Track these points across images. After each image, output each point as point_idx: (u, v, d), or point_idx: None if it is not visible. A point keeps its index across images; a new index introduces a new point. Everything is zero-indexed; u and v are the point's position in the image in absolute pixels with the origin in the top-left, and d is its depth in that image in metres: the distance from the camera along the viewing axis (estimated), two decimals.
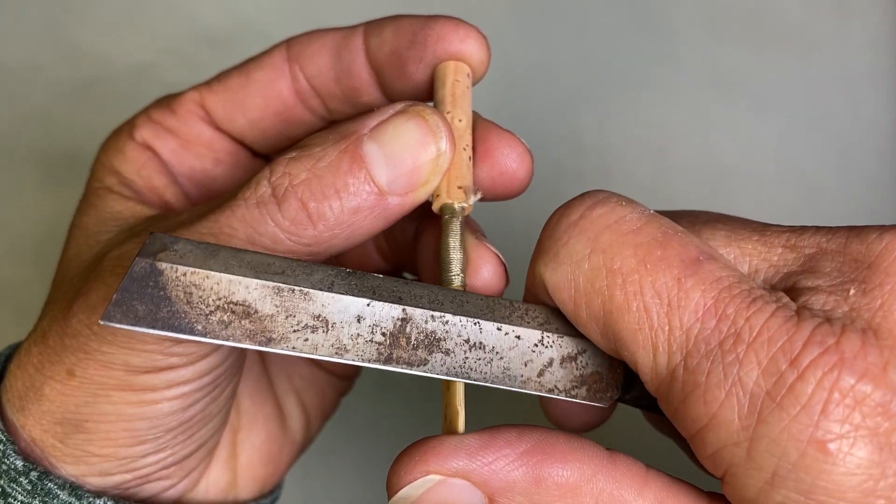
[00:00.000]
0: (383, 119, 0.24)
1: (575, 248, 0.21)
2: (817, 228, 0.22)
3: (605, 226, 0.21)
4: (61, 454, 0.25)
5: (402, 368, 0.21)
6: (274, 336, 0.20)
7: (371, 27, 0.28)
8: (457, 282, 0.24)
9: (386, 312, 0.21)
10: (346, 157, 0.23)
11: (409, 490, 0.21)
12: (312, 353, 0.21)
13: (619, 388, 0.23)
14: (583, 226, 0.21)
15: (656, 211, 0.23)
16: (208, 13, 0.50)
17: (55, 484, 0.24)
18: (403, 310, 0.21)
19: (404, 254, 0.30)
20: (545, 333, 0.22)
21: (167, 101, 0.29)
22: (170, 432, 0.25)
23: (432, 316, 0.21)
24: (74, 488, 0.25)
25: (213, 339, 0.20)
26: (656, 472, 0.21)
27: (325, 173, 0.23)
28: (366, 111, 0.25)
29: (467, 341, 0.22)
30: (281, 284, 0.20)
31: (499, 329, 0.22)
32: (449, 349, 0.21)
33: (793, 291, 0.21)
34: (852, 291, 0.20)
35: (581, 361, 0.23)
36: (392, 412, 0.44)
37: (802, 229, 0.22)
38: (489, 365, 0.22)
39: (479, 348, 0.22)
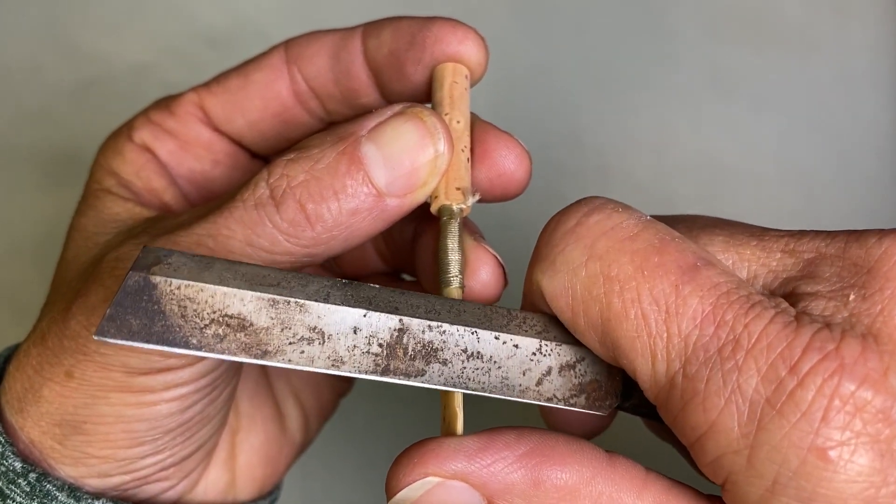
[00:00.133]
0: (381, 121, 0.24)
1: (572, 256, 0.21)
2: (816, 233, 0.22)
3: (601, 232, 0.21)
4: (60, 455, 0.25)
5: (400, 380, 0.21)
6: (269, 349, 0.20)
7: (369, 28, 0.28)
8: (455, 283, 0.24)
9: (382, 323, 0.21)
10: (344, 158, 0.23)
11: (408, 492, 0.21)
12: (309, 366, 0.20)
13: (619, 396, 0.23)
14: (579, 233, 0.21)
15: (654, 213, 0.23)
16: (208, 13, 0.50)
17: (54, 485, 0.24)
18: (400, 320, 0.21)
19: (403, 255, 0.30)
20: (543, 342, 0.22)
21: (166, 103, 0.29)
22: (168, 434, 0.25)
23: (429, 326, 0.21)
24: (73, 490, 0.25)
25: (208, 352, 0.20)
26: (656, 475, 0.21)
27: (324, 175, 0.23)
28: (364, 113, 0.25)
29: (465, 351, 0.21)
30: (276, 296, 0.20)
31: (496, 338, 0.22)
32: (446, 359, 0.21)
33: (792, 297, 0.21)
34: (852, 296, 0.20)
35: (580, 370, 0.22)
36: (391, 413, 0.44)
37: (801, 234, 0.22)
38: (487, 375, 0.22)
39: (477, 358, 0.21)
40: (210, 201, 0.26)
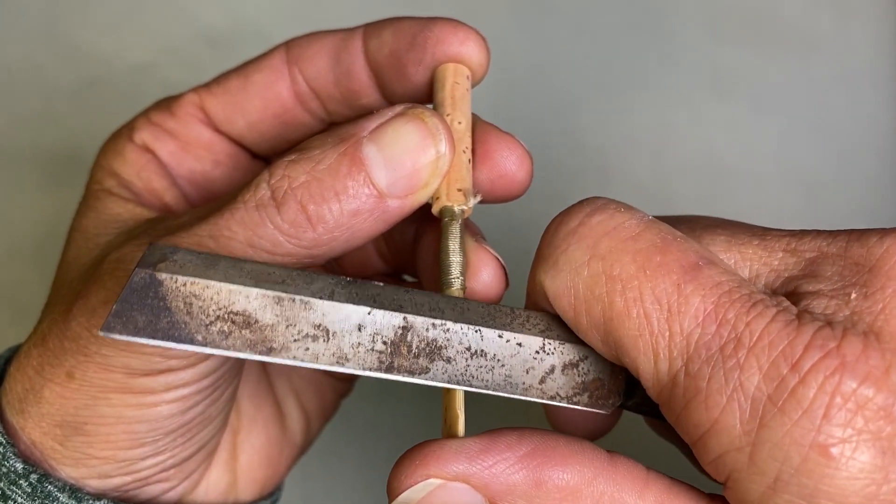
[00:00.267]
0: (383, 121, 0.24)
1: (574, 256, 0.21)
2: (818, 232, 0.22)
3: (603, 232, 0.21)
4: (61, 456, 0.25)
5: (404, 377, 0.21)
6: (274, 346, 0.20)
7: (370, 29, 0.28)
8: (457, 285, 0.24)
9: (387, 321, 0.21)
10: (345, 159, 0.23)
11: (410, 494, 0.21)
12: (313, 363, 0.20)
13: (621, 395, 0.23)
14: (581, 233, 0.21)
15: (655, 213, 0.23)
16: (208, 13, 0.50)
17: (55, 486, 0.24)
18: (404, 318, 0.21)
19: (404, 256, 0.30)
20: (546, 340, 0.22)
21: (166, 104, 0.29)
22: (169, 435, 0.25)
23: (433, 324, 0.21)
24: (74, 491, 0.25)
25: (213, 349, 0.20)
26: (657, 474, 0.21)
27: (325, 176, 0.23)
28: (365, 113, 0.25)
29: (469, 349, 0.21)
30: (281, 294, 0.20)
31: (500, 336, 0.22)
32: (450, 357, 0.21)
33: (794, 296, 0.21)
34: (853, 295, 0.20)
35: (583, 368, 0.22)
36: (392, 415, 0.44)
37: (803, 233, 0.22)
38: (491, 373, 0.22)
39: (481, 356, 0.22)
40: (211, 202, 0.26)
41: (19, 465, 0.24)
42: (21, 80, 0.49)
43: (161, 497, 0.27)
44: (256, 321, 0.20)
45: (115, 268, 0.24)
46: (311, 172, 0.23)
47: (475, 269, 0.25)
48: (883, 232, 0.21)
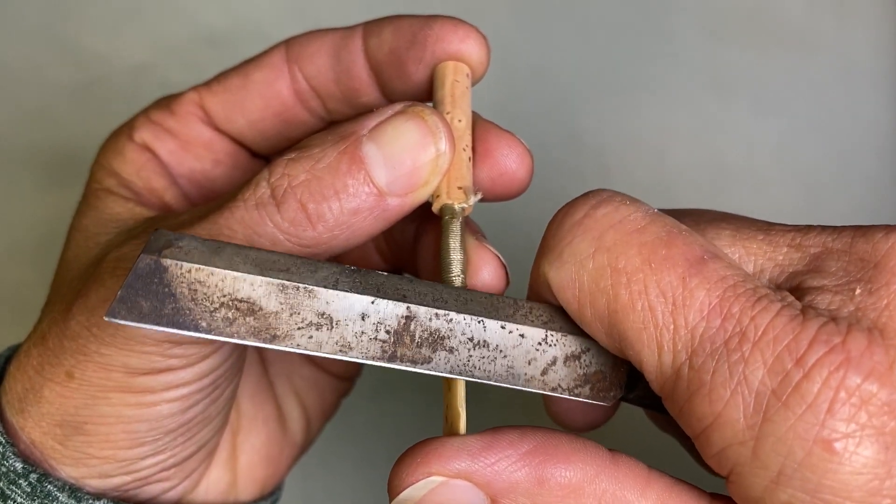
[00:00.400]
0: (382, 120, 0.24)
1: (579, 248, 0.21)
2: (823, 228, 0.22)
3: (609, 225, 0.21)
4: (61, 456, 0.25)
5: (406, 366, 0.21)
6: (278, 333, 0.20)
7: (370, 27, 0.27)
8: (457, 283, 0.24)
9: (390, 310, 0.21)
10: (345, 158, 0.23)
11: (412, 492, 0.21)
12: (317, 351, 0.21)
13: (623, 387, 0.23)
14: (587, 225, 0.21)
15: (659, 210, 0.23)
16: (208, 13, 0.50)
17: (55, 486, 0.24)
18: (408, 307, 0.21)
19: (404, 255, 0.30)
20: (549, 332, 0.22)
21: (166, 102, 0.29)
22: (169, 434, 0.25)
23: (436, 314, 0.21)
24: (74, 490, 0.25)
25: (217, 336, 0.20)
26: (658, 473, 0.21)
27: (325, 174, 0.23)
28: (365, 112, 0.24)
29: (471, 339, 0.22)
30: (285, 282, 0.20)
31: (503, 327, 0.22)
32: (453, 347, 0.21)
33: (798, 291, 0.21)
34: (858, 291, 0.20)
35: (585, 360, 0.22)
36: (392, 413, 0.44)
37: (808, 228, 0.22)
38: (493, 363, 0.22)
39: (483, 346, 0.22)
40: (211, 201, 0.26)
41: (19, 465, 0.24)
42: (21, 80, 0.49)
43: (161, 497, 0.27)
44: (261, 308, 0.20)
45: (116, 266, 0.24)
46: (310, 171, 0.23)
47: (476, 267, 0.25)
48: (888, 228, 0.21)
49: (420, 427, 0.43)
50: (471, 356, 0.22)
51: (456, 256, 0.24)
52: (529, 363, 0.22)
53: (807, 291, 0.20)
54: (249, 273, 0.20)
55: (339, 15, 0.31)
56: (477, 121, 0.26)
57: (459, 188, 0.24)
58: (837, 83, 0.50)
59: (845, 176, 0.49)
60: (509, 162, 0.25)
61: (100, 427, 0.24)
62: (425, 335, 0.21)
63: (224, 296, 0.20)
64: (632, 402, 0.24)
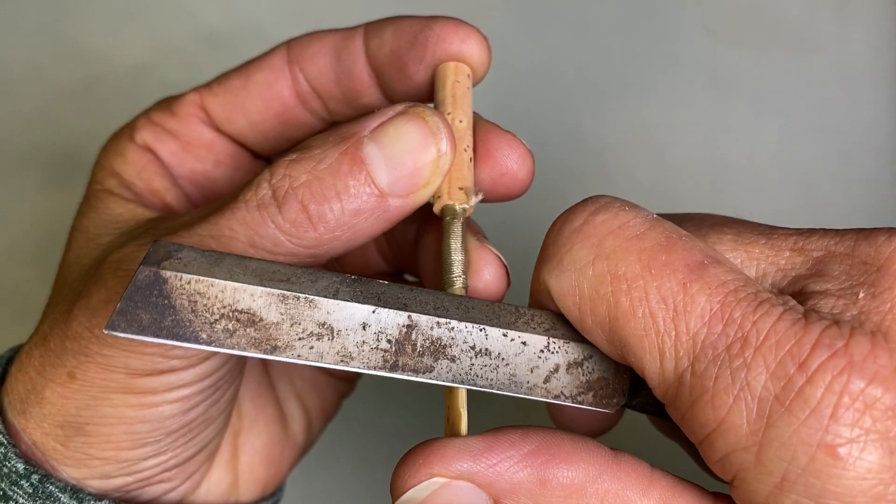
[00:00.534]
0: (383, 120, 0.24)
1: (579, 255, 0.21)
2: (825, 231, 0.22)
3: (608, 231, 0.21)
4: (62, 457, 0.25)
5: (408, 376, 0.21)
6: (279, 344, 0.20)
7: (371, 28, 0.27)
8: (458, 283, 0.24)
9: (391, 319, 0.21)
10: (346, 158, 0.23)
11: (414, 493, 0.21)
12: (318, 362, 0.20)
13: (626, 394, 0.23)
14: (586, 232, 0.21)
15: (658, 212, 0.23)
16: (208, 13, 0.50)
17: (56, 487, 0.24)
18: (409, 316, 0.21)
19: (405, 256, 0.30)
20: (551, 339, 0.22)
21: (167, 103, 0.29)
22: (171, 435, 0.25)
23: (438, 322, 0.21)
24: (76, 491, 0.25)
25: (217, 347, 0.20)
26: (661, 472, 0.21)
27: (326, 175, 0.23)
28: (366, 112, 0.24)
29: (473, 347, 0.21)
30: (286, 292, 0.20)
31: (504, 335, 0.22)
32: (455, 356, 0.21)
33: (801, 295, 0.21)
34: (861, 294, 0.20)
35: (587, 367, 0.22)
36: (393, 415, 0.44)
37: (810, 232, 0.22)
38: (495, 371, 0.22)
39: (485, 355, 0.22)
40: (212, 202, 0.26)
41: (21, 466, 0.24)
42: (21, 80, 0.49)
43: (162, 497, 0.27)
44: (261, 319, 0.20)
45: (117, 268, 0.24)
46: (312, 172, 0.23)
47: (477, 268, 0.25)
48: (891, 231, 0.21)
49: (421, 428, 0.43)
50: (473, 364, 0.21)
51: (457, 257, 0.24)
52: (532, 371, 0.22)
53: (809, 296, 0.20)
54: (249, 283, 0.20)
55: (340, 15, 0.31)
56: (478, 121, 0.26)
57: (461, 189, 0.24)
58: (837, 83, 0.50)
59: (845, 176, 0.49)
60: (510, 162, 0.25)
61: (101, 428, 0.24)
62: (427, 344, 0.21)
63: (224, 307, 0.20)
64: (635, 408, 0.24)
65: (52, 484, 0.24)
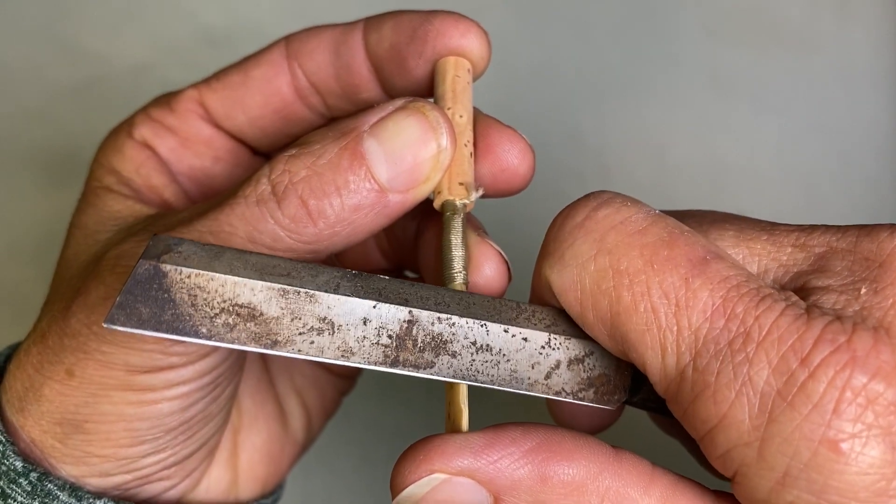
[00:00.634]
0: (383, 115, 0.24)
1: (581, 250, 0.21)
2: (827, 227, 0.22)
3: (610, 226, 0.21)
4: (61, 455, 0.25)
5: (409, 371, 0.21)
6: (279, 339, 0.20)
7: (370, 23, 0.27)
8: (459, 279, 0.24)
9: (392, 314, 0.21)
10: (346, 154, 0.23)
11: (414, 489, 0.20)
12: (318, 356, 0.20)
13: (627, 390, 0.23)
14: (588, 227, 0.21)
15: (660, 211, 0.22)
16: (208, 13, 0.50)
17: (55, 485, 0.24)
18: (410, 312, 0.21)
19: (406, 251, 0.30)
20: (552, 335, 0.22)
21: (166, 100, 0.29)
22: (170, 432, 0.25)
23: (439, 318, 0.21)
24: (74, 489, 0.24)
25: (217, 342, 0.20)
26: (662, 470, 0.21)
27: (325, 171, 0.23)
28: (366, 108, 0.24)
29: (474, 343, 0.21)
30: (286, 286, 0.20)
31: (506, 331, 0.22)
32: (456, 351, 0.21)
33: (803, 291, 0.20)
34: (863, 290, 0.20)
35: (588, 363, 0.22)
36: (393, 411, 0.44)
37: (812, 228, 0.22)
38: (496, 367, 0.22)
39: (486, 350, 0.21)
40: (211, 198, 0.26)
41: (19, 464, 0.24)
42: (21, 80, 0.49)
43: (162, 495, 0.27)
44: (261, 314, 0.20)
45: (115, 264, 0.24)
46: (311, 167, 0.23)
47: (478, 264, 0.25)
48: (893, 227, 0.21)
49: (422, 424, 0.43)
50: (474, 360, 0.21)
51: (458, 253, 0.24)
52: (533, 367, 0.22)
53: (811, 291, 0.20)
54: (250, 278, 0.20)
55: (340, 15, 0.31)
56: (478, 116, 0.26)
57: (461, 184, 0.24)
58: (837, 83, 0.50)
59: (845, 176, 0.49)
60: (511, 157, 0.25)
61: (100, 425, 0.24)
62: (428, 339, 0.21)
63: (224, 301, 0.20)
64: (635, 405, 0.24)
65: (50, 482, 0.24)
